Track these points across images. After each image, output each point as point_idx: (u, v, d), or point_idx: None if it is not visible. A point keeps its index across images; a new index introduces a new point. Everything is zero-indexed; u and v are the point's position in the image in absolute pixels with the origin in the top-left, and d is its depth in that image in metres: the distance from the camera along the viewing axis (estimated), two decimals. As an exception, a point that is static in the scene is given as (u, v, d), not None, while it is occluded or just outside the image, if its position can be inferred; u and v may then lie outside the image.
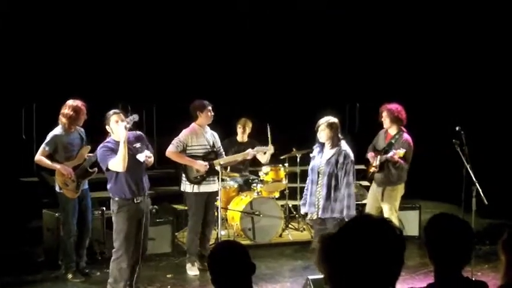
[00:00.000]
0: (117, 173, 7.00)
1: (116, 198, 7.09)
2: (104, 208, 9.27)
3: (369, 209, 8.96)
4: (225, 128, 9.78)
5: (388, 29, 13.25)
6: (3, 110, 11.45)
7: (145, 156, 7.12)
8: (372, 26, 13.31)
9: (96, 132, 8.55)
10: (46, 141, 8.17)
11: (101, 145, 7.11)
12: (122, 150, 6.85)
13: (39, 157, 8.18)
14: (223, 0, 13.15)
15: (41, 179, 10.27)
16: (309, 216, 7.90)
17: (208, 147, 8.69)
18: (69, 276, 8.32)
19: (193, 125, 8.69)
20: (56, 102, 8.43)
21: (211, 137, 8.77)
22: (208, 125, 8.79)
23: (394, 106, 8.81)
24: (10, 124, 11.65)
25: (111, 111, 7.15)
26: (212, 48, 13.00)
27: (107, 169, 7.01)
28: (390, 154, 8.57)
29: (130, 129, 7.15)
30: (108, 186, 7.17)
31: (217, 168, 8.55)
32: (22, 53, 11.66)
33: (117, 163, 6.89)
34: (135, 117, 8.04)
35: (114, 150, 6.95)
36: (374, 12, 13.26)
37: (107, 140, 7.14)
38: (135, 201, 7.09)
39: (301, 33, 13.38)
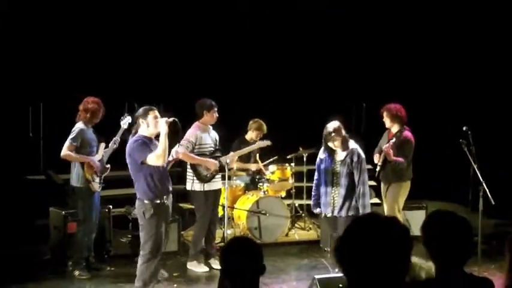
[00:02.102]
0: (149, 172, 6.98)
1: (146, 202, 7.01)
2: (111, 206, 9.32)
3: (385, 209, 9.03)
4: (228, 127, 9.77)
5: (394, 29, 13.22)
6: (10, 108, 11.47)
7: (176, 151, 7.33)
8: (378, 25, 13.28)
9: (104, 130, 8.66)
10: (72, 136, 8.25)
11: (134, 140, 7.03)
12: (164, 143, 6.88)
13: (67, 152, 8.23)
14: (224, 0, 13.14)
15: (47, 177, 10.32)
16: (322, 215, 7.92)
17: (213, 145, 8.73)
18: (76, 273, 8.37)
19: (197, 123, 8.70)
20: (63, 102, 8.48)
21: (214, 135, 8.82)
22: (212, 124, 8.84)
23: (393, 105, 8.93)
24: (17, 122, 11.67)
25: (147, 107, 7.14)
26: (218, 48, 12.99)
27: (142, 163, 6.92)
28: (384, 147, 8.64)
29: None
30: (137, 188, 7.11)
31: (225, 164, 8.58)
32: (29, 53, 11.67)
33: (158, 156, 6.87)
34: (129, 118, 8.28)
35: (148, 146, 6.97)
36: (380, 11, 13.24)
37: (137, 136, 7.08)
38: (165, 202, 7.11)
39: (307, 33, 13.35)
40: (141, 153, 6.91)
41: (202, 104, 8.68)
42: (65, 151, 8.24)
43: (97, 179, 8.38)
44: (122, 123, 8.53)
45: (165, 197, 7.11)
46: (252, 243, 3.63)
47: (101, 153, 8.48)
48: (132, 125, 7.44)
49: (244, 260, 3.43)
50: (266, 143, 9.65)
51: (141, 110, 7.14)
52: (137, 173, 7.02)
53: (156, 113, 7.09)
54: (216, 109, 8.69)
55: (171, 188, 7.26)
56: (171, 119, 7.03)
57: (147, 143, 6.99)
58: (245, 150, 9.49)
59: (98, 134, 8.58)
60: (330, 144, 7.66)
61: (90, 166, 8.30)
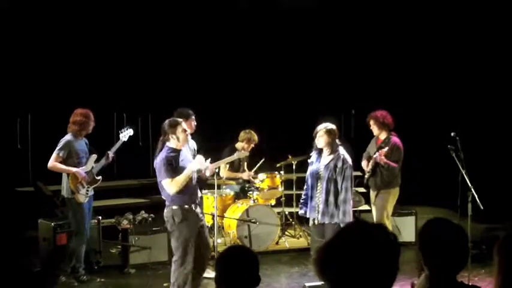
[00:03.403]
0: None
1: (175, 207, 7.10)
2: (100, 217, 9.29)
3: (374, 216, 9.03)
4: (220, 134, 9.77)
5: (383, 36, 13.28)
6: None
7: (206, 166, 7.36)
8: (367, 33, 13.34)
9: (92, 141, 8.64)
10: (59, 147, 8.32)
11: (163, 156, 7.10)
12: (185, 178, 6.97)
13: (54, 163, 8.31)
14: (218, 7, 13.14)
15: (36, 188, 10.27)
16: (310, 223, 7.92)
17: (192, 155, 8.70)
18: (63, 279, 8.43)
19: None
20: (52, 113, 8.48)
21: (192, 144, 8.81)
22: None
23: (379, 112, 8.99)
24: (5, 134, 11.63)
25: (174, 121, 7.23)
26: (206, 57, 13.00)
27: (160, 181, 7.07)
28: (376, 155, 8.67)
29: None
30: (166, 195, 7.16)
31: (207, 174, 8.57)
32: (18, 64, 11.65)
33: (171, 187, 7.00)
34: (130, 131, 8.38)
35: (174, 161, 7.03)
36: (368, 19, 13.30)
37: (167, 149, 7.15)
38: (193, 208, 7.16)
39: (294, 42, 13.38)
40: (159, 175, 7.06)
41: (180, 113, 8.61)
42: (51, 162, 8.31)
43: (82, 190, 8.37)
44: (121, 135, 8.56)
45: (193, 204, 7.17)
46: (249, 252, 3.57)
47: (90, 165, 8.48)
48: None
49: (240, 269, 3.39)
50: (244, 153, 9.65)
51: (168, 122, 7.21)
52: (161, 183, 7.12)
53: (184, 125, 7.19)
54: (193, 117, 8.67)
55: (199, 196, 7.29)
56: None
57: (174, 159, 7.06)
58: (223, 161, 9.37)
59: (91, 146, 8.60)
60: (316, 141, 7.69)
61: (75, 177, 8.32)
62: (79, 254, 8.48)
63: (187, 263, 7.15)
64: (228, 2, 13.29)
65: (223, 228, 10.13)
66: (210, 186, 9.04)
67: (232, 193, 10.35)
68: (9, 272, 8.92)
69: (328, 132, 7.66)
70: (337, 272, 2.44)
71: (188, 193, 7.11)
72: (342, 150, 7.73)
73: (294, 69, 13.44)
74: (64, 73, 11.98)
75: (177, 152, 7.13)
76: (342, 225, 7.49)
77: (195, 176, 7.25)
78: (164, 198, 7.23)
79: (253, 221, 9.77)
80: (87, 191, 8.42)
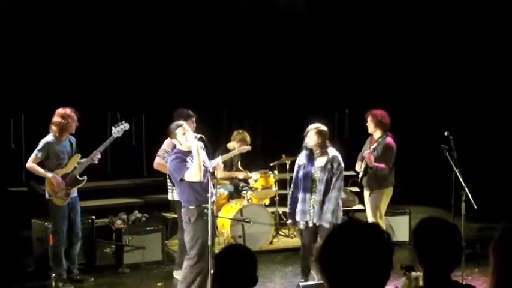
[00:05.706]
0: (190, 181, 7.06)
1: (191, 207, 7.13)
2: (94, 217, 9.27)
3: (368, 215, 9.03)
4: (213, 134, 9.74)
5: (377, 35, 13.29)
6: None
7: (217, 162, 7.37)
8: (362, 33, 13.34)
9: (86, 140, 8.60)
10: (38, 148, 8.23)
11: (172, 156, 7.20)
12: (197, 160, 6.97)
13: (31, 164, 8.23)
14: (210, 11, 13.12)
15: (29, 188, 10.25)
16: (302, 225, 7.86)
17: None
18: (60, 284, 8.30)
19: None
20: (45, 113, 8.44)
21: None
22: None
23: (379, 111, 8.99)
24: (-1, 134, 11.61)
25: (175, 124, 7.26)
26: (201, 57, 12.97)
27: (181, 180, 7.05)
28: (365, 153, 8.67)
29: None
30: (180, 197, 7.25)
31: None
32: (11, 63, 11.60)
33: (194, 173, 6.98)
34: (126, 126, 8.25)
35: (185, 161, 7.05)
36: (362, 18, 13.30)
37: (175, 151, 7.27)
38: (208, 208, 7.14)
39: (287, 41, 13.36)
40: (178, 173, 7.07)
41: (180, 113, 8.60)
42: (29, 162, 8.26)
43: (61, 193, 8.22)
44: (113, 131, 8.41)
45: (205, 204, 7.14)
46: (248, 252, 3.60)
47: (71, 166, 8.32)
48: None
49: (238, 268, 3.39)
50: (246, 148, 9.67)
51: (169, 129, 7.28)
52: (181, 182, 7.12)
53: (185, 128, 7.21)
54: (194, 119, 8.65)
55: (213, 198, 7.28)
56: (198, 136, 7.14)
57: (184, 158, 7.09)
58: (223, 157, 9.38)
59: (75, 146, 8.45)
60: (306, 140, 7.66)
61: (51, 182, 8.19)
62: (60, 255, 8.34)
63: (201, 261, 7.17)
64: (227, 2, 13.25)
65: (217, 227, 10.10)
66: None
67: (226, 193, 10.36)
68: (2, 272, 8.91)
69: (319, 133, 7.65)
70: (331, 271, 2.44)
71: (202, 194, 7.11)
72: (333, 151, 7.71)
73: (288, 69, 13.42)
74: (58, 73, 11.92)
75: (184, 153, 7.14)
76: (327, 225, 7.49)
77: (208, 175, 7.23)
78: (181, 200, 7.29)
79: (247, 220, 9.75)
80: (68, 193, 8.26)
